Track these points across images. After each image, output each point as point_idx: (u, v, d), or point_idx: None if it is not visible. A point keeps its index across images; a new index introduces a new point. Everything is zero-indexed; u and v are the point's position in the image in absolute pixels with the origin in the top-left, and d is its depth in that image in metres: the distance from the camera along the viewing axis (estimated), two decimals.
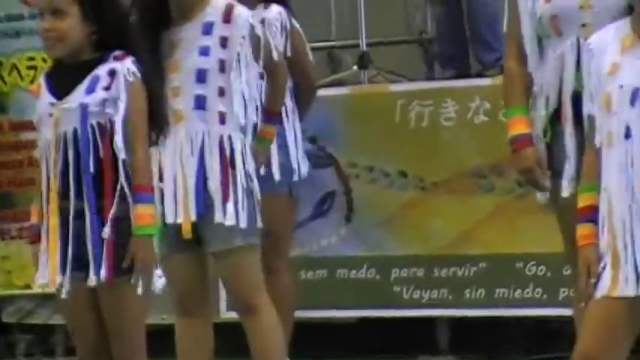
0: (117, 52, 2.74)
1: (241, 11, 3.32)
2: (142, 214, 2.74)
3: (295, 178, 3.93)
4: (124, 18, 2.88)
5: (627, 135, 2.15)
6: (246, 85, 3.33)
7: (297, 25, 4.09)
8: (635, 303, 2.09)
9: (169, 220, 3.25)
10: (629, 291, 2.08)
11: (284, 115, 3.86)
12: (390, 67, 5.43)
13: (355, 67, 5.30)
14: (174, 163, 3.31)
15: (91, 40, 2.74)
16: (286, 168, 3.86)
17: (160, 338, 3.75)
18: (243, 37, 3.27)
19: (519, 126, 2.93)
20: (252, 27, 3.31)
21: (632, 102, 2.15)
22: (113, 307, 2.78)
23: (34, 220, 2.82)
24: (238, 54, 3.32)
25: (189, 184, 3.28)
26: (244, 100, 3.33)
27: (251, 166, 3.37)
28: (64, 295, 2.71)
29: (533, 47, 2.94)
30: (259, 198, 3.40)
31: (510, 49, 3.07)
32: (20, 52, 4.60)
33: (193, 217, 3.23)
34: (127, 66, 2.76)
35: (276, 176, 3.78)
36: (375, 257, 4.55)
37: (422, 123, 4.48)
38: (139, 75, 2.75)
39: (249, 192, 3.32)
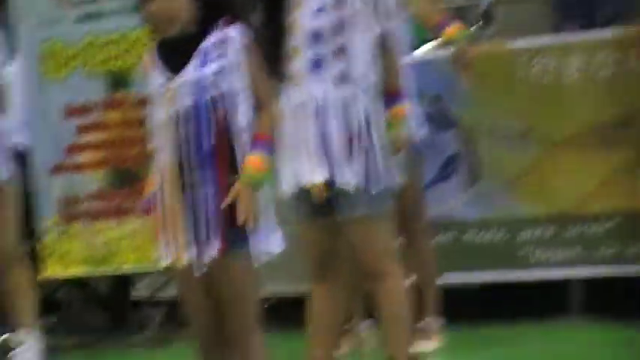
0: (224, 20, 2.76)
1: None
2: (253, 160, 2.77)
3: (418, 137, 3.89)
4: None
5: None
6: (366, 44, 3.30)
7: None
8: None
9: (303, 183, 3.26)
10: None
11: None
12: (516, 23, 5.41)
13: (477, 25, 5.26)
14: (295, 128, 3.31)
15: (195, 13, 2.78)
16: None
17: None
18: None
19: None
20: None
21: None
22: (225, 279, 2.78)
23: (148, 192, 2.87)
24: (356, 12, 3.27)
25: (311, 149, 3.27)
26: (365, 60, 3.29)
27: (380, 129, 3.29)
28: (195, 272, 2.74)
29: None
30: (393, 162, 3.32)
31: None
32: (140, 27, 4.57)
33: (319, 180, 3.24)
34: (237, 31, 2.78)
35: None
36: (502, 219, 4.58)
37: (544, 79, 4.46)
38: (250, 37, 2.78)
39: (374, 156, 3.26)
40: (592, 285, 4.61)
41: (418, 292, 3.91)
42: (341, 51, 3.23)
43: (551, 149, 4.47)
